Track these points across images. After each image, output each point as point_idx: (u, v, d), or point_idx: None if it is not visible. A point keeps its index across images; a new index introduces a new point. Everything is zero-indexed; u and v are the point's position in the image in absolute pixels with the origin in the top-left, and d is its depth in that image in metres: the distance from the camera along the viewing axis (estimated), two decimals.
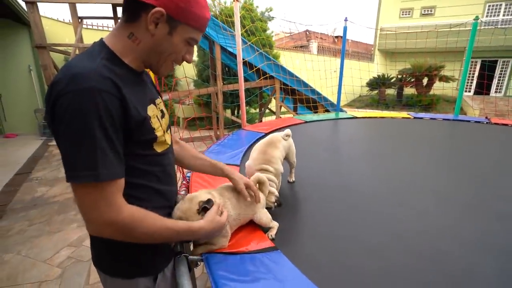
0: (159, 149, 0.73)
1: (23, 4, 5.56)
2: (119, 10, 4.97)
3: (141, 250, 0.71)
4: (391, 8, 14.52)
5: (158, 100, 0.78)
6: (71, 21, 7.06)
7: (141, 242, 0.66)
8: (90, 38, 6.51)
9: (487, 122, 3.44)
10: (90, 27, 7.32)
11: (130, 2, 0.63)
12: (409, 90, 12.16)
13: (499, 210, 1.34)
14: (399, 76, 11.94)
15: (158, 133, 0.71)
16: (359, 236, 1.10)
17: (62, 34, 6.71)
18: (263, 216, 1.03)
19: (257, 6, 6.91)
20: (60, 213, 2.80)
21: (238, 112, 7.66)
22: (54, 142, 5.76)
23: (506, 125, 3.27)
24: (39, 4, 3.43)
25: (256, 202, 1.00)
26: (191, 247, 0.92)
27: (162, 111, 0.78)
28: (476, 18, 3.54)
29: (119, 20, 0.73)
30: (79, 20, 4.66)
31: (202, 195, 0.85)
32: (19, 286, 1.82)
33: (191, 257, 0.85)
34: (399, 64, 11.91)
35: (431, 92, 11.49)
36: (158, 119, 0.72)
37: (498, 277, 0.88)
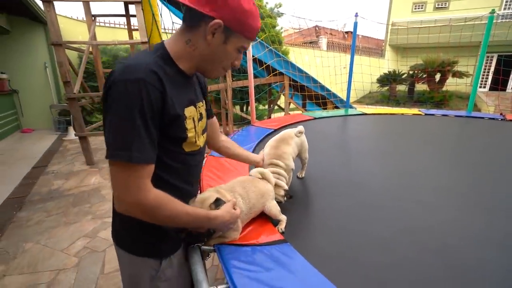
0: (187, 148, 0.78)
1: (39, 3, 5.73)
2: (131, 8, 5.04)
3: (151, 232, 0.78)
4: (403, 2, 14.16)
5: (200, 104, 0.84)
6: (84, 19, 7.24)
7: (163, 224, 0.72)
8: (103, 35, 6.67)
9: (502, 119, 3.36)
10: (103, 24, 7.47)
11: (192, 11, 0.68)
12: (421, 87, 11.89)
13: (503, 206, 1.32)
14: (411, 72, 11.68)
15: (190, 134, 0.75)
16: (368, 230, 1.11)
17: (76, 31, 6.87)
18: (273, 207, 1.06)
19: (266, 2, 6.88)
20: (75, 205, 2.91)
21: (247, 109, 7.68)
22: (68, 137, 5.94)
23: None
24: (55, 3, 3.52)
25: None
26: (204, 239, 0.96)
27: (201, 114, 0.83)
28: (493, 11, 3.43)
29: (180, 24, 0.79)
30: (93, 18, 4.75)
31: (211, 196, 0.86)
32: (39, 273, 1.92)
33: (204, 247, 0.89)
34: (411, 60, 11.63)
35: (444, 88, 11.20)
36: (194, 121, 0.78)
37: (506, 272, 0.88)
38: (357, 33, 4.10)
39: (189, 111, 0.76)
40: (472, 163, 2.01)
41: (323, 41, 14.67)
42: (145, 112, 0.61)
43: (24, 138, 5.92)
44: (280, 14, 7.21)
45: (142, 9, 1.22)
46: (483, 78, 13.31)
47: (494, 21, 3.46)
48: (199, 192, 1.12)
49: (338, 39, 16.02)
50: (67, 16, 6.95)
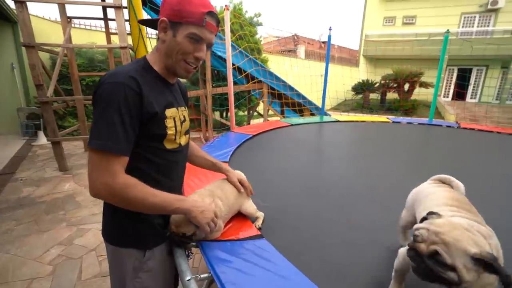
0: (168, 145, 0.87)
1: (8, 2, 5.47)
2: (110, 11, 4.98)
3: (137, 224, 0.86)
4: (375, 16, 15.10)
5: (183, 108, 0.95)
6: (57, 19, 6.97)
7: (132, 208, 0.78)
8: (78, 37, 6.47)
9: (457, 127, 3.74)
10: (78, 26, 7.24)
11: (156, 26, 0.83)
12: (392, 95, 12.69)
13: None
14: (382, 82, 12.46)
15: (169, 131, 0.85)
16: (334, 228, 1.25)
17: (48, 32, 6.60)
18: (249, 207, 1.17)
19: (246, 11, 7.07)
20: (48, 213, 2.81)
21: (226, 115, 7.76)
22: (37, 142, 5.65)
23: (473, 129, 3.57)
24: (28, 3, 3.41)
25: (248, 194, 1.17)
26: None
27: (184, 117, 0.94)
28: (447, 31, 3.84)
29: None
30: (68, 20, 4.63)
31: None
32: (11, 283, 1.85)
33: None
34: (383, 70, 12.43)
35: (412, 97, 12.06)
36: (175, 121, 0.87)
37: None
38: (333, 43, 4.37)
39: (170, 112, 0.86)
40: (431, 166, 2.25)
41: (301, 50, 15.20)
42: (122, 110, 0.72)
43: None
44: (259, 23, 7.43)
45: (129, 23, 1.28)
46: (446, 88, 14.48)
47: (454, 37, 3.86)
48: (183, 190, 1.18)
49: (315, 48, 16.67)
50: (39, 16, 6.67)
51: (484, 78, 13.78)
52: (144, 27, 1.31)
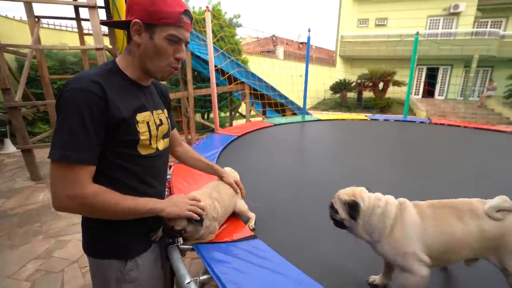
0: (143, 151, 0.81)
1: None
2: (82, 11, 4.76)
3: (116, 233, 0.82)
4: (350, 18, 15.67)
5: (159, 111, 0.89)
6: (22, 19, 6.54)
7: (102, 217, 0.76)
8: (48, 38, 6.11)
9: (429, 122, 3.98)
10: (52, 26, 6.84)
11: (125, 28, 0.78)
12: (367, 94, 13.22)
13: (433, 194, 1.63)
14: (358, 81, 12.96)
15: (142, 136, 0.79)
16: (321, 223, 1.28)
17: (12, 33, 6.18)
18: (242, 206, 1.19)
19: (225, 12, 7.05)
20: (22, 226, 2.63)
21: (208, 117, 7.68)
22: (4, 151, 5.27)
23: (443, 124, 3.82)
24: None
25: (243, 196, 1.19)
26: (181, 240, 1.02)
27: (161, 120, 0.88)
28: (417, 33, 4.08)
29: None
30: (36, 19, 4.36)
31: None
32: None
33: (182, 246, 0.96)
34: (358, 70, 12.93)
35: (387, 96, 12.65)
36: (149, 126, 0.82)
37: None
38: (311, 44, 4.48)
39: (142, 116, 0.80)
40: (406, 159, 2.38)
41: (280, 51, 15.40)
42: (83, 116, 0.67)
43: None
44: (238, 24, 7.45)
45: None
46: (417, 87, 15.34)
47: (422, 38, 4.11)
48: (167, 194, 1.16)
49: (294, 49, 16.97)
50: (2, 15, 6.22)
51: (449, 77, 14.78)
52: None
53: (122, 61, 0.81)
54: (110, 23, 0.87)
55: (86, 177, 0.70)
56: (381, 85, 12.53)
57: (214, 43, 5.01)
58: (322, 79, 11.33)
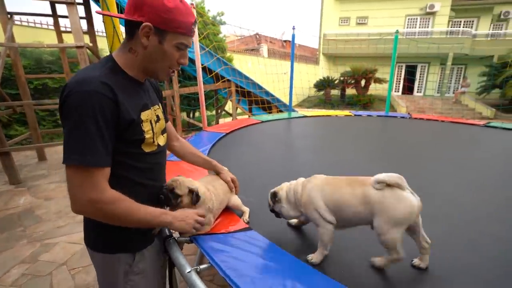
0: (146, 149, 0.84)
1: None
2: (59, 7, 4.57)
3: (123, 228, 0.81)
4: (331, 16, 15.98)
5: (156, 106, 0.90)
6: None
7: (117, 223, 0.76)
8: (21, 36, 5.82)
9: (409, 117, 4.17)
10: (25, 24, 6.50)
11: (127, 23, 0.76)
12: (350, 91, 13.57)
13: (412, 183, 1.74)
14: (341, 78, 13.27)
15: (147, 135, 0.82)
16: None
17: None
18: (236, 200, 1.23)
19: (208, 10, 7.00)
20: (3, 231, 2.52)
21: (193, 115, 7.61)
22: None
23: (422, 119, 4.02)
24: None
25: (236, 192, 1.23)
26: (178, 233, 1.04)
27: (158, 116, 0.89)
28: (397, 32, 4.26)
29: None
30: (9, 16, 4.14)
31: (199, 187, 1.00)
32: None
33: (180, 238, 0.98)
34: (341, 68, 13.23)
35: (369, 93, 13.04)
36: (151, 123, 0.84)
37: None
38: (295, 42, 4.55)
39: (146, 114, 0.82)
40: (389, 152, 2.50)
41: (264, 49, 15.47)
42: (98, 120, 0.67)
43: None
44: (223, 22, 7.42)
45: (103, 21, 1.21)
46: (396, 83, 15.90)
47: (401, 37, 4.28)
48: None
49: (278, 47, 17.08)
50: None
51: (427, 74, 15.45)
52: (118, 23, 1.24)
53: (121, 59, 0.79)
54: (111, 15, 0.83)
55: (104, 180, 0.71)
56: (363, 82, 12.90)
57: (199, 41, 4.98)
58: (307, 76, 11.51)
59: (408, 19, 15.19)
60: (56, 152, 5.11)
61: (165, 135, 0.96)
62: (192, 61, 3.42)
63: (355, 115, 4.34)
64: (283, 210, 1.06)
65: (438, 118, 4.10)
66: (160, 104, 0.96)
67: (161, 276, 1.01)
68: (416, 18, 15.10)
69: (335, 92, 13.99)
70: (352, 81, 13.04)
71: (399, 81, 15.95)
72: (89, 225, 0.86)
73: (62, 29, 4.84)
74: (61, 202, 3.09)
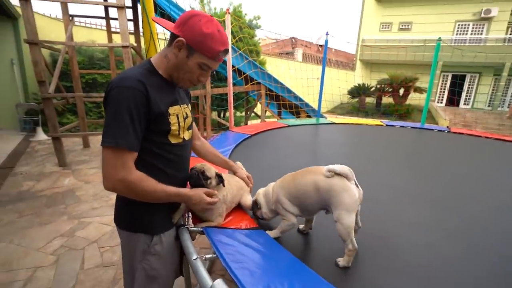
0: (173, 140, 0.96)
1: None
2: (111, 10, 5.05)
3: (146, 212, 0.95)
4: (372, 21, 15.36)
5: (185, 105, 1.03)
6: (57, 17, 7.00)
7: (143, 199, 0.88)
8: (78, 35, 6.53)
9: (447, 131, 3.88)
10: (78, 24, 7.27)
11: (171, 34, 0.89)
12: (387, 100, 12.91)
13: (436, 196, 1.65)
14: (378, 86, 12.67)
15: (173, 127, 0.93)
16: (320, 221, 1.35)
17: (49, 29, 6.63)
18: (248, 200, 1.27)
19: (245, 14, 7.18)
20: (49, 206, 2.87)
21: (224, 115, 7.85)
22: (36, 138, 5.67)
23: (462, 134, 3.72)
24: (32, 1, 3.47)
25: (250, 190, 1.30)
26: (191, 221, 1.13)
27: (186, 114, 1.02)
28: (439, 39, 4.00)
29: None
30: (70, 18, 4.69)
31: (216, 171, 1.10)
32: (15, 271, 1.92)
33: (192, 228, 1.06)
34: (378, 75, 12.66)
35: (407, 102, 12.29)
36: (178, 118, 0.96)
37: (432, 251, 1.16)
38: (331, 47, 4.49)
39: (174, 109, 0.94)
40: (421, 166, 2.37)
41: (299, 53, 15.37)
42: (131, 111, 0.80)
43: None
44: (258, 26, 7.55)
45: (142, 27, 1.36)
46: (440, 94, 14.77)
47: (448, 44, 4.01)
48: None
49: (313, 52, 16.86)
50: (39, 13, 6.70)
51: (477, 85, 14.11)
52: (156, 30, 1.39)
53: (157, 62, 0.93)
54: (162, 25, 0.99)
55: (132, 162, 0.83)
56: (401, 91, 12.20)
57: (233, 44, 5.14)
58: (340, 83, 11.19)
59: (458, 25, 14.04)
60: (98, 140, 5.63)
61: (190, 131, 1.07)
62: (224, 62, 3.56)
63: (386, 125, 4.15)
64: (264, 214, 1.15)
65: (482, 134, 3.76)
66: (189, 104, 1.08)
67: (175, 262, 1.10)
68: (468, 24, 13.89)
69: (370, 100, 13.41)
70: (390, 89, 12.40)
71: (443, 92, 14.79)
72: (119, 206, 1.00)
73: (113, 29, 5.34)
74: (98, 186, 3.41)
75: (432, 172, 2.23)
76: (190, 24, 0.84)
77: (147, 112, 0.84)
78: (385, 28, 15.36)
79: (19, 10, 4.57)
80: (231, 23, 3.96)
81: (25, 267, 1.97)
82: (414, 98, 11.66)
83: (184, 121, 1.00)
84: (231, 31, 5.74)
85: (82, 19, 7.20)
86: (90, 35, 7.19)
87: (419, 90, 11.74)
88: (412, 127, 4.10)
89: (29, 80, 6.61)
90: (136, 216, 0.97)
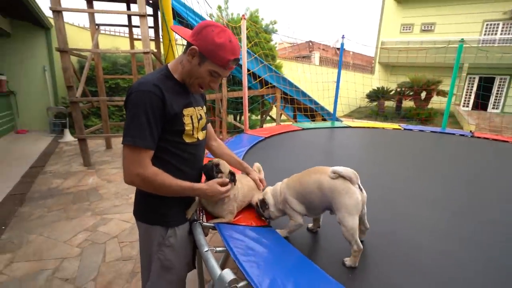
0: (187, 140, 1.03)
1: (43, 9, 5.95)
2: (134, 19, 5.33)
3: (162, 205, 1.03)
4: (392, 23, 14.99)
5: (200, 108, 1.10)
6: (85, 26, 7.47)
7: (159, 193, 0.95)
8: (102, 42, 6.93)
9: (471, 136, 3.72)
10: (107, 32, 7.72)
11: (187, 42, 0.97)
12: (408, 103, 12.49)
13: (451, 201, 1.60)
14: (398, 89, 12.29)
15: (187, 127, 1.00)
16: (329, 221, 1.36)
17: (76, 38, 7.08)
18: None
19: (262, 19, 7.28)
20: (75, 203, 3.06)
21: (240, 118, 7.96)
22: (64, 139, 6.04)
23: (487, 138, 3.55)
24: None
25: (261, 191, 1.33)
26: (205, 219, 1.19)
27: (201, 115, 1.09)
28: (462, 40, 3.86)
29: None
30: (97, 27, 5.00)
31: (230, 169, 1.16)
32: (45, 261, 2.07)
33: (204, 223, 1.12)
34: (398, 78, 12.29)
35: (429, 106, 11.82)
36: (192, 119, 1.02)
37: (459, 261, 1.14)
38: (349, 50, 4.46)
39: (188, 111, 1.00)
40: (438, 170, 2.31)
41: (316, 56, 15.28)
42: (148, 113, 0.88)
43: (19, 139, 5.99)
44: (274, 30, 7.63)
45: (161, 35, 1.46)
46: (466, 97, 14.07)
47: (475, 45, 3.86)
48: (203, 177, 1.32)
49: (330, 55, 16.70)
50: (69, 23, 7.18)
51: (507, 88, 13.31)
52: (174, 37, 1.49)
53: (173, 67, 1.01)
54: (180, 34, 1.05)
55: (148, 160, 0.91)
56: (423, 94, 11.76)
57: (249, 48, 5.24)
58: (357, 86, 11.00)
59: (487, 24, 13.36)
60: (119, 142, 5.84)
61: (204, 131, 1.14)
62: (240, 66, 3.65)
63: (404, 129, 4.04)
64: (271, 213, 1.18)
65: (509, 139, 3.57)
66: (204, 107, 1.15)
67: (188, 255, 1.16)
68: (497, 24, 13.18)
69: (389, 103, 13.04)
70: (411, 93, 11.99)
71: (469, 95, 14.07)
72: (137, 200, 1.08)
73: (135, 36, 5.62)
74: (119, 185, 3.59)
75: (450, 177, 2.16)
76: (204, 33, 0.91)
77: (162, 114, 0.92)
78: (406, 29, 14.93)
79: (51, 21, 4.94)
80: (247, 28, 4.06)
81: (54, 258, 2.12)
82: (437, 102, 11.21)
83: (198, 122, 1.06)
84: (247, 36, 5.86)
85: (107, 28, 7.63)
86: (114, 43, 7.60)
87: (442, 93, 11.27)
88: (432, 131, 3.96)
89: (59, 85, 7.08)
90: (153, 210, 1.04)
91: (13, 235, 2.39)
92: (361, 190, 0.99)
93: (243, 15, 3.04)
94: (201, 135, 1.10)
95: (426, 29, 14.51)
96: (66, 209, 2.90)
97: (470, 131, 3.88)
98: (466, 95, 14.04)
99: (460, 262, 1.07)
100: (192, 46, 0.92)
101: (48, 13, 5.15)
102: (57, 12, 3.68)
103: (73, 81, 4.02)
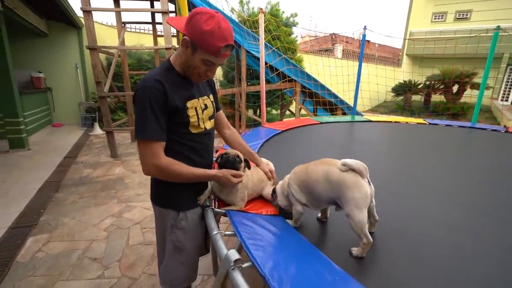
0: (193, 130, 1.08)
1: (76, 10, 6.33)
2: (157, 16, 5.51)
3: (174, 190, 1.09)
4: (422, 12, 14.10)
5: (205, 97, 1.13)
6: (112, 24, 7.84)
7: (174, 180, 1.03)
8: (128, 40, 7.25)
9: (504, 131, 3.46)
10: (133, 30, 8.06)
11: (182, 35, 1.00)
12: (437, 97, 11.76)
13: (473, 198, 1.52)
14: (427, 83, 11.59)
15: (192, 119, 1.04)
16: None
17: (104, 35, 7.47)
18: (270, 192, 1.34)
19: (283, 12, 7.20)
20: (103, 191, 3.29)
21: (259, 112, 7.98)
22: (93, 132, 6.45)
23: None
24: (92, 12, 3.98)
25: (273, 183, 1.36)
26: (217, 205, 1.24)
27: (206, 105, 1.12)
28: (498, 27, 3.57)
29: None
30: (123, 25, 5.24)
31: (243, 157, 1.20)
32: (77, 242, 2.27)
33: (216, 209, 1.17)
34: (427, 70, 11.59)
35: (462, 100, 11.04)
36: (196, 110, 1.06)
37: (496, 263, 1.11)
38: (374, 42, 4.30)
39: (191, 103, 1.04)
40: (463, 166, 2.19)
41: (339, 49, 14.83)
42: (153, 106, 0.93)
43: (55, 132, 6.49)
44: (295, 23, 7.50)
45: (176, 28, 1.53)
46: (506, 91, 12.97)
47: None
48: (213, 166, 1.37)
49: (354, 48, 16.10)
50: (98, 22, 7.57)
51: None
52: None
53: (174, 60, 1.04)
54: (173, 26, 1.08)
55: (161, 150, 0.97)
56: (455, 87, 11.00)
57: (269, 42, 5.21)
58: (383, 80, 10.51)
59: None
60: None
61: (212, 120, 1.18)
62: (258, 58, 3.66)
63: (430, 123, 3.85)
64: (279, 201, 1.20)
65: None
66: (210, 95, 1.18)
67: (198, 238, 1.22)
68: None
69: (417, 98, 12.36)
70: (441, 86, 11.26)
71: (509, 88, 12.94)
72: (153, 185, 1.16)
73: (158, 33, 5.82)
74: (143, 176, 3.79)
75: (475, 174, 2.05)
76: (193, 22, 0.91)
77: (166, 107, 0.96)
78: (438, 18, 13.99)
79: (82, 20, 5.25)
80: (266, 22, 4.05)
81: (84, 239, 2.31)
82: (471, 96, 10.44)
83: (203, 112, 1.09)
84: (268, 29, 5.82)
85: (133, 25, 7.95)
86: (139, 39, 7.91)
87: (477, 86, 10.46)
88: (460, 126, 3.74)
89: (89, 82, 7.54)
90: (166, 194, 1.12)
91: (50, 218, 2.63)
92: (369, 183, 0.98)
93: (260, 9, 3.04)
94: (208, 125, 1.14)
95: (461, 17, 13.50)
96: (95, 196, 3.13)
97: (504, 126, 3.60)
98: (506, 88, 12.93)
99: (471, 256, 1.04)
100: (184, 37, 0.94)
101: (80, 13, 5.48)
102: (87, 12, 3.91)
103: (101, 77, 4.27)
